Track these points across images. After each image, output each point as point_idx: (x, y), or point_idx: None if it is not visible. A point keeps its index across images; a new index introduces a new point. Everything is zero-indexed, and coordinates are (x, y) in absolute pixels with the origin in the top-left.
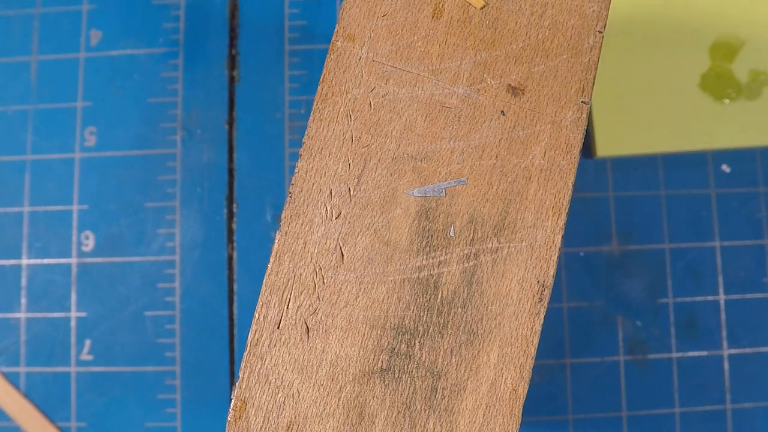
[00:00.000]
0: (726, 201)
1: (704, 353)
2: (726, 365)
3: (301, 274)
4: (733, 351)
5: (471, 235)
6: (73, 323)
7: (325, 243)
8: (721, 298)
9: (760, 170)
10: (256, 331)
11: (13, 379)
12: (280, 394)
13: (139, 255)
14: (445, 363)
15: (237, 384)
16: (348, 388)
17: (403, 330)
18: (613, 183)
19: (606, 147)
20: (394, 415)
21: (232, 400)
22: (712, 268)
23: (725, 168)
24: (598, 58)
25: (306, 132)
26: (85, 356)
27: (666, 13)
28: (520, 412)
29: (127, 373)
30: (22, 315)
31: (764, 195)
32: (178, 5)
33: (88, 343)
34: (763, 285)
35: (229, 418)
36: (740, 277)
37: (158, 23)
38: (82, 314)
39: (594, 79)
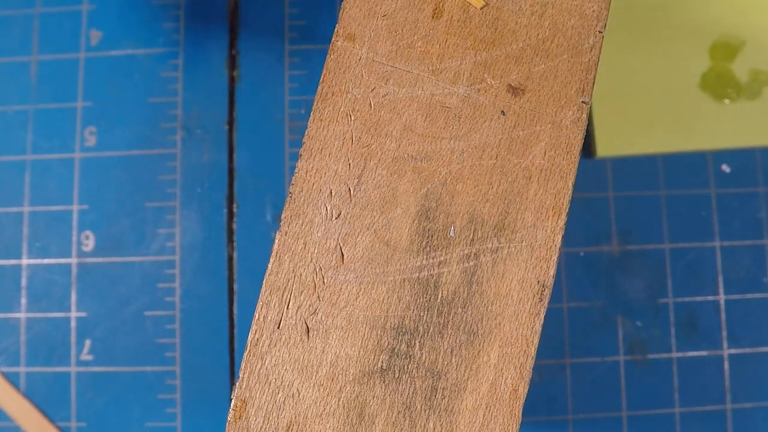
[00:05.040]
0: (726, 201)
1: (704, 353)
2: (726, 365)
3: (301, 274)
4: (733, 351)
5: (471, 235)
6: (73, 323)
7: (326, 243)
8: (721, 298)
9: (760, 170)
10: (256, 331)
11: (13, 379)
12: (280, 394)
13: (139, 255)
14: (445, 363)
15: (237, 384)
16: (348, 388)
17: (403, 330)
18: (613, 183)
19: (606, 147)
20: (394, 415)
21: (232, 400)
22: (712, 268)
23: (725, 168)
24: (598, 58)
25: (306, 132)
26: (85, 356)
27: (666, 13)
28: (521, 412)
29: (127, 373)
30: (22, 315)
31: (764, 195)
32: (178, 5)
33: (88, 343)
34: (763, 285)
35: (229, 418)
36: (740, 277)
37: (158, 23)
38: (82, 314)
39: (594, 79)
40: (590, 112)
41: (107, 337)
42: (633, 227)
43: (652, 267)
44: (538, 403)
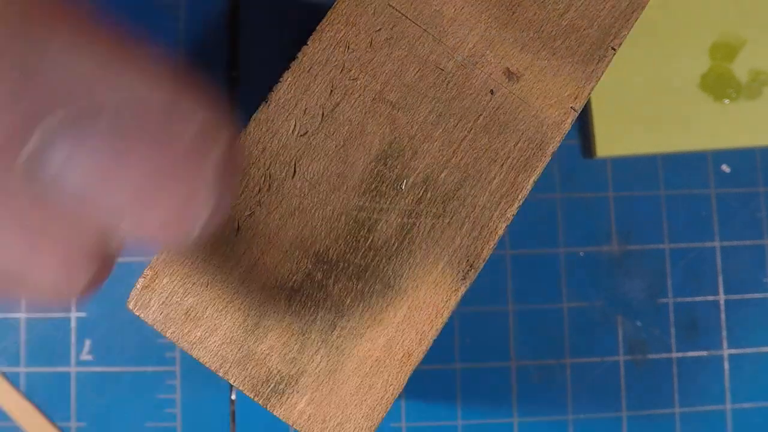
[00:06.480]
0: (726, 201)
1: (704, 353)
2: (726, 365)
3: (253, 175)
4: (733, 351)
5: (420, 195)
6: (73, 323)
7: (283, 155)
8: (721, 298)
9: (760, 170)
10: None
11: (13, 379)
12: (190, 279)
13: (139, 255)
14: (353, 305)
15: (155, 257)
16: (253, 296)
17: (325, 260)
18: (613, 183)
19: (606, 147)
20: (287, 336)
21: (145, 270)
22: (712, 268)
23: (725, 168)
24: (603, 72)
25: (303, 49)
26: (85, 356)
27: (666, 13)
28: (407, 377)
29: (127, 373)
30: (22, 315)
31: (764, 195)
32: (178, 5)
33: (88, 343)
34: (763, 285)
35: (137, 286)
36: (740, 277)
37: (158, 23)
38: (82, 314)
39: (592, 90)
40: (590, 112)
41: (107, 337)
42: (633, 227)
43: (652, 267)
44: (538, 403)
